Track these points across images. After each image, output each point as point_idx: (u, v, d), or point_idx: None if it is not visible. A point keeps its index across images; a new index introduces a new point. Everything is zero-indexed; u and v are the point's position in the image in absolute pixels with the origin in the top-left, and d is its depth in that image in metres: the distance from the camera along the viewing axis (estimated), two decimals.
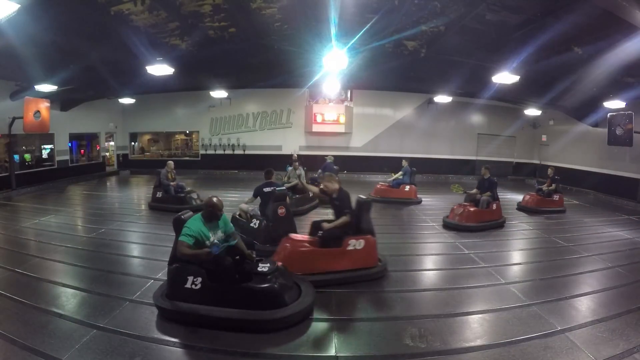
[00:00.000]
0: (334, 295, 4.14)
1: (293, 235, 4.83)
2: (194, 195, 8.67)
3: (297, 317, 3.46)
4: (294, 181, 8.55)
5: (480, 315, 3.78)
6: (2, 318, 3.48)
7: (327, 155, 11.35)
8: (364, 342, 3.27)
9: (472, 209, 7.28)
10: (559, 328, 3.46)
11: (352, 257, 4.50)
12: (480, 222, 7.21)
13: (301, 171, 8.89)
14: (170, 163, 9.03)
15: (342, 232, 4.49)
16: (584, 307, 4.01)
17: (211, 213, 3.62)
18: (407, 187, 10.12)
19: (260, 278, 3.50)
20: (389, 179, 10.50)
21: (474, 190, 7.78)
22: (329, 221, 4.56)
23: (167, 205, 8.23)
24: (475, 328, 3.55)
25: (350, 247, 4.50)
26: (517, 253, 6.19)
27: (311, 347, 3.17)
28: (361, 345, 3.21)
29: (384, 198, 10.05)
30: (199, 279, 3.44)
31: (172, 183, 8.60)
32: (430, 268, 5.39)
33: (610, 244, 6.49)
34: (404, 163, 10.38)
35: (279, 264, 3.79)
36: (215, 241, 3.57)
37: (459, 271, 5.09)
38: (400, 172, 10.34)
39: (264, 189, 5.86)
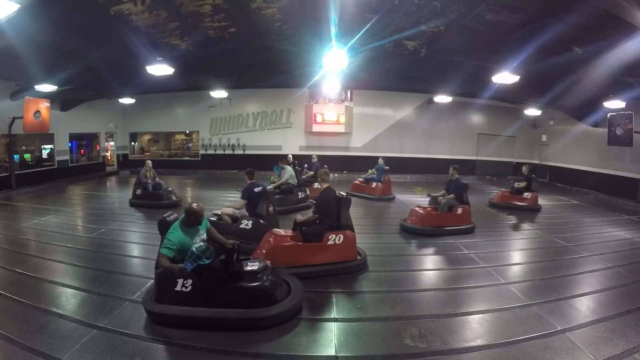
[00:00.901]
0: (334, 296, 4.14)
1: (276, 231, 4.96)
2: (172, 193, 9.14)
3: (289, 314, 3.53)
4: (284, 179, 8.70)
5: (480, 315, 3.77)
6: (2, 318, 3.48)
7: (312, 155, 11.74)
8: (364, 342, 3.26)
9: (430, 212, 6.88)
10: (559, 328, 3.46)
11: (332, 251, 4.73)
12: (438, 226, 6.69)
13: (291, 171, 8.88)
14: (149, 162, 9.37)
15: (320, 228, 4.75)
16: (584, 307, 4.01)
17: (193, 220, 3.58)
18: (374, 184, 10.46)
19: (251, 277, 3.53)
20: (364, 175, 10.94)
21: (441, 192, 7.29)
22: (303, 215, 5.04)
23: (146, 201, 8.84)
24: (475, 328, 3.54)
25: (330, 242, 4.72)
26: (517, 253, 6.19)
27: (311, 347, 3.17)
28: (361, 345, 3.20)
29: (357, 193, 10.54)
30: (190, 281, 3.40)
31: (149, 181, 9.02)
32: (430, 268, 5.39)
33: (610, 244, 6.49)
34: (380, 161, 10.70)
35: (268, 262, 3.83)
36: (197, 244, 3.45)
37: (459, 271, 5.09)
38: (373, 170, 10.74)
39: (255, 190, 5.77)
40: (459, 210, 6.92)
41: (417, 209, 7.02)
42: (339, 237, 4.75)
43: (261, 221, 5.52)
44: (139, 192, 9.03)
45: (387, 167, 10.55)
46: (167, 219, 3.80)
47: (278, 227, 5.48)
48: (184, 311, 3.38)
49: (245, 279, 3.52)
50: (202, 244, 3.47)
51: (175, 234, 3.46)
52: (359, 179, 11.13)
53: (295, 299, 3.66)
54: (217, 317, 3.36)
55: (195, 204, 3.61)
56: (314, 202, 5.11)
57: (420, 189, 8.03)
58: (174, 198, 8.95)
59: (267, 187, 6.08)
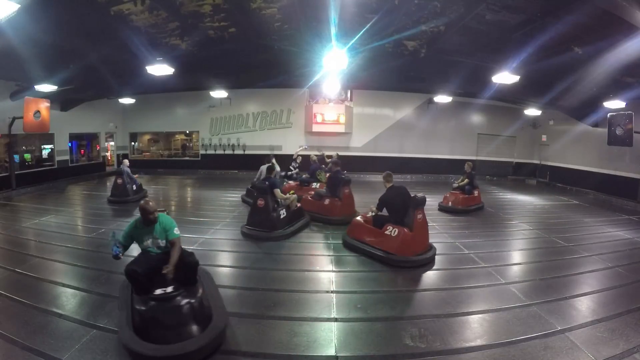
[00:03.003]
0: (334, 296, 4.15)
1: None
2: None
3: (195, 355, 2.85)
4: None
5: (480, 315, 3.78)
6: (2, 318, 3.48)
7: (296, 156, 11.01)
8: (364, 342, 3.27)
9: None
10: (559, 328, 3.46)
11: (387, 240, 5.33)
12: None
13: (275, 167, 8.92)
14: (126, 161, 10.04)
15: (383, 219, 5.55)
16: (584, 307, 4.01)
17: (142, 216, 3.50)
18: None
19: (144, 302, 3.16)
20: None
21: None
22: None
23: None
24: (475, 328, 3.55)
25: (387, 232, 5.38)
26: (517, 253, 6.19)
27: (311, 347, 3.17)
28: (361, 345, 3.21)
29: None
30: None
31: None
32: (430, 268, 5.39)
33: (610, 244, 6.49)
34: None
35: (193, 297, 3.23)
36: (150, 246, 3.54)
37: (459, 271, 5.09)
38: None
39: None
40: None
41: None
42: (395, 230, 5.28)
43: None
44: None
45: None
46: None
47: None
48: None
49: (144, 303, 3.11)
50: (121, 234, 3.57)
51: (128, 225, 3.63)
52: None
53: (202, 338, 2.94)
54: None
55: (142, 201, 3.53)
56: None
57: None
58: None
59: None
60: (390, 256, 5.15)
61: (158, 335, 2.92)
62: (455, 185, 9.57)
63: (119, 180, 9.48)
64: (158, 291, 3.18)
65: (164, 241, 3.55)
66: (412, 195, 5.41)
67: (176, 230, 3.57)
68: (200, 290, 3.39)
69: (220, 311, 3.31)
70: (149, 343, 2.85)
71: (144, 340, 2.87)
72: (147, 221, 3.51)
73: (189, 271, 3.46)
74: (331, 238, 6.62)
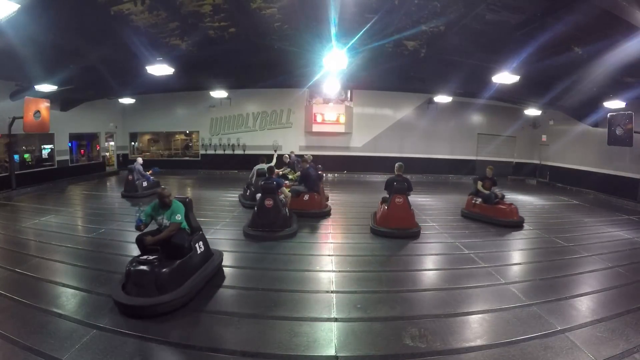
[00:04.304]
0: (334, 296, 4.15)
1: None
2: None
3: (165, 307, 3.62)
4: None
5: (480, 315, 3.78)
6: (2, 318, 3.48)
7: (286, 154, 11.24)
8: (364, 342, 3.27)
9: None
10: (559, 328, 3.46)
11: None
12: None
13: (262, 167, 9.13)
14: (139, 159, 10.92)
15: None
16: (584, 307, 4.01)
17: (159, 200, 4.34)
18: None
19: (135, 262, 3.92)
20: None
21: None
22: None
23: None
24: (475, 328, 3.55)
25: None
26: (517, 253, 6.19)
27: (311, 347, 3.17)
28: (361, 345, 3.21)
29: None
30: None
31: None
32: (430, 268, 5.40)
33: (610, 244, 6.49)
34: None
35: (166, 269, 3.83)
36: (162, 224, 4.30)
37: (459, 271, 5.09)
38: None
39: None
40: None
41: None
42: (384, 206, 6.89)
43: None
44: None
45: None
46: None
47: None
48: None
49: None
50: (144, 211, 4.35)
51: (150, 205, 4.45)
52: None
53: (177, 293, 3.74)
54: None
55: (159, 188, 4.70)
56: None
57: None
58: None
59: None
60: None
61: (128, 289, 3.73)
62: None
63: (130, 177, 10.30)
64: (143, 257, 3.96)
65: (168, 222, 4.26)
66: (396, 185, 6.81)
67: (177, 217, 4.28)
68: (174, 266, 3.87)
69: (180, 288, 3.84)
70: (123, 293, 3.70)
71: (123, 291, 3.75)
72: (163, 204, 4.33)
73: (174, 250, 4.11)
74: (331, 238, 6.63)
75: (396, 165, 7.13)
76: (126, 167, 11.02)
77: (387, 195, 6.98)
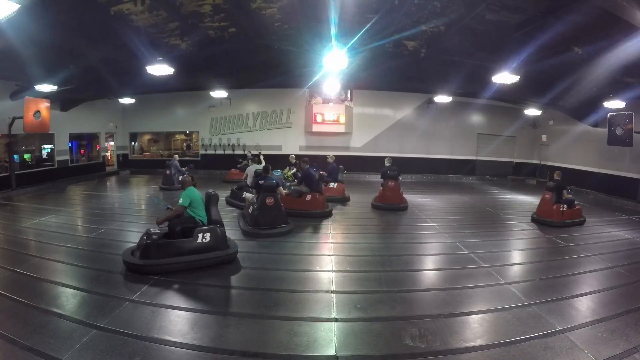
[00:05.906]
0: (334, 296, 4.15)
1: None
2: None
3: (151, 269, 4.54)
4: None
5: (480, 315, 3.78)
6: (2, 318, 3.48)
7: (328, 156, 11.28)
8: (364, 342, 3.27)
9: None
10: (559, 328, 3.46)
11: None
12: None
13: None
14: (176, 156, 12.66)
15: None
16: (584, 307, 4.01)
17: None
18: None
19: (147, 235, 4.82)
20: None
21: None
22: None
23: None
24: (475, 328, 3.55)
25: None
26: (517, 253, 6.19)
27: (311, 347, 3.17)
28: (361, 345, 3.21)
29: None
30: None
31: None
32: (430, 268, 5.40)
33: (610, 244, 6.49)
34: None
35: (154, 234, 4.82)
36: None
37: (459, 271, 5.09)
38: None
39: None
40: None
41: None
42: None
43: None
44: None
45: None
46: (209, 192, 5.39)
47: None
48: None
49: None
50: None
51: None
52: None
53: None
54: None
55: (184, 177, 5.57)
56: None
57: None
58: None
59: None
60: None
61: (137, 251, 4.76)
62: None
63: (167, 172, 11.84)
64: (151, 230, 4.86)
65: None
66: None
67: (180, 200, 4.96)
68: (155, 242, 4.69)
69: (163, 259, 4.66)
70: (129, 254, 4.82)
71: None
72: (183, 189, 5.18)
73: (170, 231, 4.93)
74: (331, 238, 6.63)
75: (386, 159, 9.73)
76: (165, 164, 12.38)
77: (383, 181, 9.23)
